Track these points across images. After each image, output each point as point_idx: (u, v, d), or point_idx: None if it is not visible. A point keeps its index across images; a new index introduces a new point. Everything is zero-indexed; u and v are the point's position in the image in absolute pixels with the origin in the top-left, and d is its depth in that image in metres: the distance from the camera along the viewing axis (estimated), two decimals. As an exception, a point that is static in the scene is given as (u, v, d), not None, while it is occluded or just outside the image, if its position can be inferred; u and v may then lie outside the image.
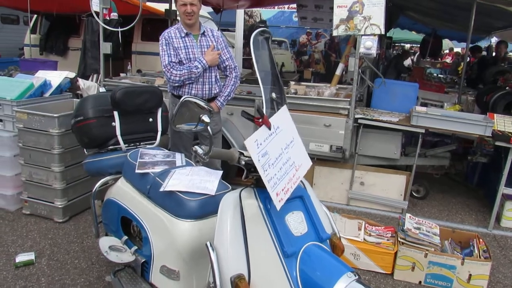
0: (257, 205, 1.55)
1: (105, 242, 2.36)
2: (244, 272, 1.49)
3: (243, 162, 1.50)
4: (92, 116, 2.51)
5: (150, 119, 2.73)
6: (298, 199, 1.65)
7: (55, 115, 3.26)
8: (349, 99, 3.95)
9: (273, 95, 1.58)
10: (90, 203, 2.63)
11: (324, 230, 1.65)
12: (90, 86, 4.99)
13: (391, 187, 4.15)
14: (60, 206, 3.43)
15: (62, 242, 3.18)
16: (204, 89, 3.19)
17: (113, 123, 2.56)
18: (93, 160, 2.58)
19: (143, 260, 2.21)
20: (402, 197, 4.13)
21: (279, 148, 1.49)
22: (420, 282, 2.96)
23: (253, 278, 1.48)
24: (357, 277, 1.44)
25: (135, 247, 2.30)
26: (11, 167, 3.55)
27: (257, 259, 1.50)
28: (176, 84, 3.12)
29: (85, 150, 2.78)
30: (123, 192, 2.39)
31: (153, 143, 2.74)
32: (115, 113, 2.53)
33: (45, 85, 3.74)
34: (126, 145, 2.60)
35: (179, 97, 3.20)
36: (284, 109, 1.58)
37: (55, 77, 3.90)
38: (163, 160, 2.37)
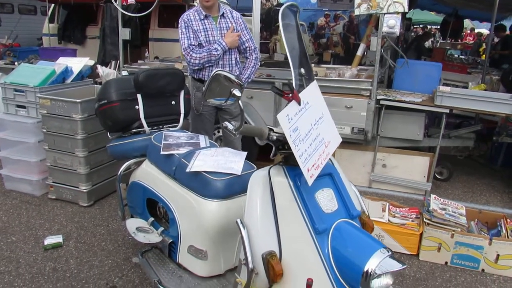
0: (286, 182, 1.53)
1: (132, 224, 2.39)
2: (275, 249, 1.48)
3: (275, 138, 1.48)
4: (115, 99, 2.52)
5: (173, 102, 2.73)
6: (328, 176, 1.63)
7: (77, 100, 3.29)
8: (371, 80, 3.89)
9: (302, 70, 1.55)
10: (116, 186, 2.66)
11: (354, 207, 1.62)
12: (109, 74, 5.02)
13: (414, 169, 4.09)
14: (84, 190, 3.49)
15: (88, 225, 3.24)
16: (225, 71, 3.16)
17: (136, 106, 2.57)
18: (118, 143, 2.60)
19: (170, 241, 2.23)
20: (426, 179, 4.06)
21: (309, 124, 1.47)
22: (446, 262, 2.92)
23: (284, 255, 1.48)
24: (390, 253, 1.42)
25: (162, 228, 2.32)
26: (35, 153, 3.61)
27: (288, 236, 1.49)
28: (196, 67, 3.11)
29: (108, 134, 2.80)
30: (148, 174, 2.40)
31: (176, 126, 2.74)
32: (138, 96, 2.54)
33: (66, 71, 3.77)
34: (150, 128, 2.61)
35: (200, 80, 3.19)
36: (314, 84, 1.55)
37: (76, 64, 3.93)
38: (187, 142, 2.37)
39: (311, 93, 1.51)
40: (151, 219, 2.41)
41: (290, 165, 1.59)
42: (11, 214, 3.37)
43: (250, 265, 1.47)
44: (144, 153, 2.55)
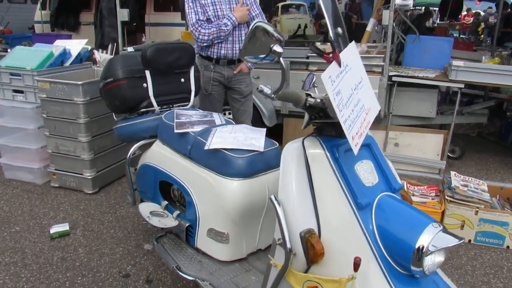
0: (323, 154, 1.40)
1: (145, 208, 2.26)
2: (313, 226, 1.36)
3: (313, 101, 1.34)
4: (122, 76, 2.35)
5: (182, 80, 2.57)
6: (366, 147, 1.50)
7: (79, 82, 3.12)
8: (382, 56, 3.74)
9: (339, 30, 1.40)
10: (125, 170, 2.52)
11: (395, 180, 1.50)
12: (106, 59, 4.84)
13: (427, 147, 3.98)
14: (89, 177, 3.34)
15: (95, 213, 3.10)
16: (234, 48, 3.00)
17: (144, 84, 2.41)
18: (125, 124, 2.45)
19: (187, 225, 2.10)
20: (439, 157, 3.95)
21: (350, 88, 1.33)
22: (469, 240, 2.82)
23: (324, 233, 1.35)
24: (442, 227, 1.29)
25: (177, 212, 2.19)
26: (36, 139, 3.45)
27: (327, 212, 1.36)
28: (205, 44, 2.94)
29: (114, 115, 2.65)
30: (161, 156, 2.26)
31: (186, 105, 2.59)
32: (147, 73, 2.38)
33: (64, 54, 3.59)
34: (159, 107, 2.46)
35: (208, 58, 3.03)
36: (352, 45, 1.41)
37: (74, 46, 3.75)
38: (201, 120, 2.23)
39: (350, 54, 1.37)
40: (165, 202, 2.27)
41: (325, 135, 1.45)
42: (13, 204, 3.22)
43: (288, 245, 1.34)
44: (154, 134, 2.40)
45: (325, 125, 1.46)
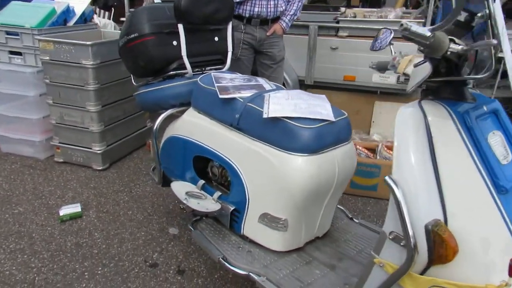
0: (450, 121, 1.07)
1: (180, 188, 1.92)
2: (438, 216, 1.04)
3: (459, 49, 1.00)
4: (149, 31, 1.97)
5: (216, 38, 2.19)
6: (492, 114, 1.18)
7: (88, 43, 2.72)
8: (423, 21, 3.39)
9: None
10: (150, 144, 2.17)
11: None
12: (106, 24, 4.39)
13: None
14: (98, 151, 2.97)
15: (108, 192, 2.75)
16: (269, 5, 2.62)
17: (175, 42, 2.03)
18: (152, 90, 2.07)
19: (232, 209, 1.77)
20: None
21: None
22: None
23: (452, 224, 1.04)
24: None
25: (218, 193, 1.85)
26: (37, 108, 3.06)
27: (456, 197, 1.04)
28: (237, 0, 2.55)
29: (133, 80, 2.28)
30: (196, 126, 1.91)
31: (221, 68, 2.23)
32: (180, 27, 1.99)
33: (68, 11, 3.16)
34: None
35: (239, 17, 2.65)
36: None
37: (78, 4, 3.31)
38: (247, 84, 1.87)
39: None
40: (202, 182, 1.94)
41: (446, 98, 1.13)
42: (13, 181, 2.85)
43: (412, 241, 1.02)
44: (185, 101, 2.05)
45: (445, 84, 1.14)
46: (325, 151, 1.56)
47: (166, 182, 2.20)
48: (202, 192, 1.91)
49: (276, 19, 2.73)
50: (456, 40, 1.02)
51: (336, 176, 1.60)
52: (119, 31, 3.68)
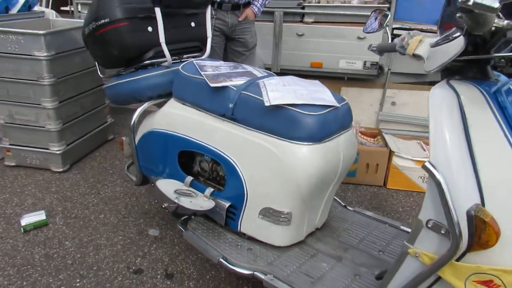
0: (483, 100, 1.03)
1: (167, 186, 1.77)
2: (477, 200, 1.00)
3: (505, 24, 0.94)
4: (122, 16, 1.78)
5: (192, 24, 2.04)
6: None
7: (41, 32, 2.44)
8: (387, 5, 3.41)
9: None
10: (128, 141, 1.99)
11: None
12: (48, 14, 4.03)
13: (426, 105, 3.78)
14: (57, 152, 2.71)
15: (73, 195, 2.52)
16: (240, -12, 2.50)
17: (149, 28, 1.86)
18: (126, 81, 1.89)
19: (228, 205, 1.66)
20: (436, 115, 3.79)
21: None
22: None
23: (489, 207, 1.00)
24: None
25: (210, 189, 1.73)
26: (-19, 107, 2.72)
27: (492, 179, 1.00)
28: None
29: (99, 72, 2.08)
30: (180, 119, 1.77)
31: (198, 56, 2.08)
32: (157, 11, 1.82)
33: (10, -3, 2.83)
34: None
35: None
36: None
37: (20, -11, 2.97)
38: (236, 72, 1.75)
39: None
40: (189, 178, 1.80)
41: (472, 78, 1.09)
42: (-41, 190, 2.53)
43: (457, 228, 0.97)
44: (163, 92, 1.89)
45: (467, 65, 1.10)
46: (330, 138, 1.49)
47: (144, 181, 2.04)
48: (192, 189, 1.77)
49: (247, 4, 2.61)
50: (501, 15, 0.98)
51: (341, 164, 1.54)
52: (67, 20, 3.39)
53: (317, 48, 3.47)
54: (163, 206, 1.91)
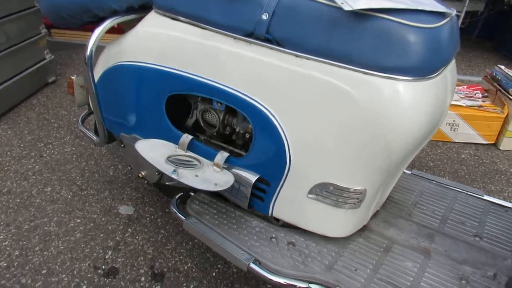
0: None
1: (153, 151, 1.13)
2: None
3: None
4: None
5: None
6: None
7: None
8: None
9: None
10: (83, 80, 1.30)
11: None
12: None
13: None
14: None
15: (3, 160, 1.80)
16: None
17: None
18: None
19: (255, 179, 1.06)
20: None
21: None
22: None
23: None
24: None
25: (224, 154, 1.11)
26: None
27: None
28: None
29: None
30: (171, 43, 1.10)
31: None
32: None
33: None
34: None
35: None
36: None
37: None
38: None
39: None
40: (188, 137, 1.17)
41: None
42: None
43: None
44: (131, 5, 1.19)
45: None
46: (440, 71, 0.91)
47: (110, 139, 1.39)
48: (193, 154, 1.15)
49: None
50: None
51: (445, 111, 0.98)
52: None
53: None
54: (140, 175, 1.30)
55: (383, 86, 0.85)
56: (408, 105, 0.85)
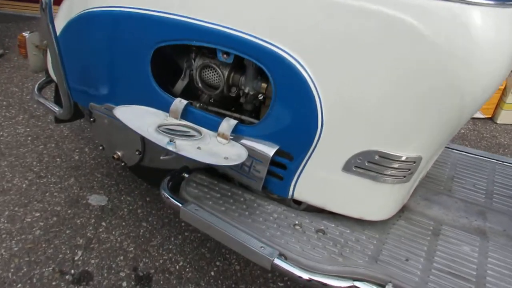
0: None
1: (139, 118, 0.87)
2: None
3: None
4: None
5: None
6: None
7: None
8: None
9: None
10: (40, 36, 1.02)
11: None
12: None
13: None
14: None
15: None
16: None
17: None
18: None
19: (274, 151, 0.83)
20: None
21: None
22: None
23: None
24: None
25: (231, 122, 0.87)
26: None
27: None
28: None
29: None
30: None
31: None
32: None
33: None
34: None
35: None
36: None
37: None
38: None
39: None
40: (182, 102, 0.91)
41: None
42: None
43: None
44: None
45: None
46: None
47: (76, 113, 1.11)
48: (188, 123, 0.90)
49: None
50: None
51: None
52: None
53: None
54: (115, 155, 1.05)
55: (459, 14, 0.63)
56: (490, 40, 0.64)
